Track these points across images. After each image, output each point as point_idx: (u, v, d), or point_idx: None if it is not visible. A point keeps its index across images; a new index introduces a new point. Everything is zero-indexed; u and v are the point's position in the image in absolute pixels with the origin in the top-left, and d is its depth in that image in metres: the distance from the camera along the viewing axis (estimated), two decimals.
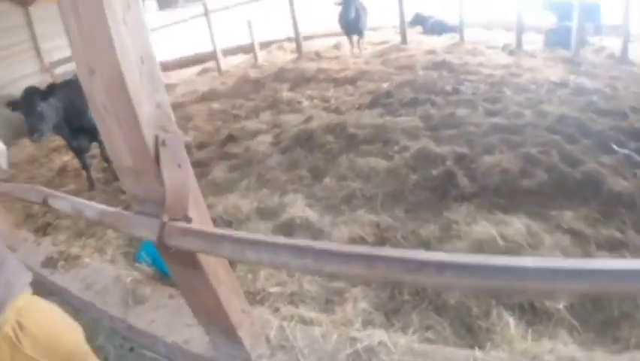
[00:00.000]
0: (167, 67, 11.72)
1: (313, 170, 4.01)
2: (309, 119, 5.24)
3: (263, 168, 4.30)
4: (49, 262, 3.88)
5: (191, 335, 2.33)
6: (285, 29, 10.18)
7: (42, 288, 3.85)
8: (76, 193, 5.63)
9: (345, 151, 4.16)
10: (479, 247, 2.43)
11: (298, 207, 3.37)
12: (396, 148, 3.98)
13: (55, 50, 10.46)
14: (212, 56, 9.68)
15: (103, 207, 1.90)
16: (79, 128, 5.32)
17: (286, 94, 6.58)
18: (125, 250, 3.65)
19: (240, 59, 10.20)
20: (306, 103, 6.10)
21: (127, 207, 4.49)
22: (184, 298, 2.09)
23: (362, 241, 2.78)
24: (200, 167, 5.01)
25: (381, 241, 2.76)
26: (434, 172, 3.37)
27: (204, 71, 10.01)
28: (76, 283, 3.41)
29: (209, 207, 3.78)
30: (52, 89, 4.87)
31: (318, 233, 3.04)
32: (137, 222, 1.65)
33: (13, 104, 4.86)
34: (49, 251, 3.90)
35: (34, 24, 9.92)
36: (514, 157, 3.35)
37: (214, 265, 1.81)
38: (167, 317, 2.55)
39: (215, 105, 7.17)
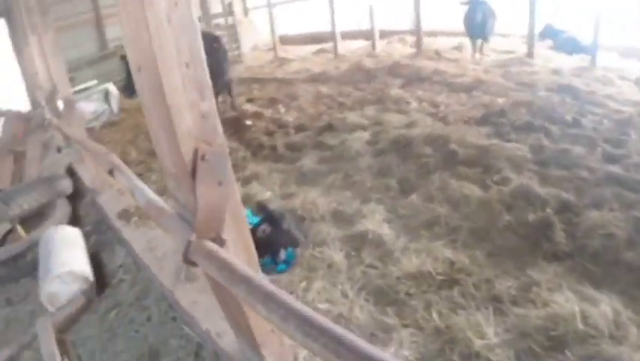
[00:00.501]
0: (286, 41, 12.03)
1: (402, 182, 3.87)
2: (412, 123, 5.06)
3: (352, 168, 4.24)
4: (125, 215, 4.18)
5: (226, 328, 2.28)
6: (409, 21, 9.95)
7: (113, 237, 4.19)
8: None
9: (441, 168, 3.95)
10: (554, 323, 2.16)
11: (376, 221, 3.28)
12: (495, 178, 3.68)
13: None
14: (331, 36, 9.72)
15: (152, 195, 1.84)
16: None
17: (396, 91, 6.40)
18: None
19: (358, 44, 10.10)
20: (414, 104, 5.89)
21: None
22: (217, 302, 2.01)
23: (429, 277, 2.62)
24: (293, 151, 5.13)
25: (449, 283, 2.57)
26: (531, 217, 3.05)
27: (321, 51, 10.06)
28: (141, 242, 3.66)
29: (289, 196, 3.96)
30: None
31: (386, 254, 2.93)
32: (172, 226, 1.59)
33: (125, 57, 5.34)
34: (128, 204, 4.17)
35: None
36: (624, 220, 2.92)
37: None
38: (208, 303, 2.55)
39: (324, 89, 7.22)
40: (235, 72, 9.72)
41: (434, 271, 2.66)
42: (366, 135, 4.93)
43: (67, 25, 10.01)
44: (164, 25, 1.22)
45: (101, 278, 3.81)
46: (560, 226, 2.95)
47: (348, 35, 10.31)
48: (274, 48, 10.58)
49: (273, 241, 3.08)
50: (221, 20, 11.56)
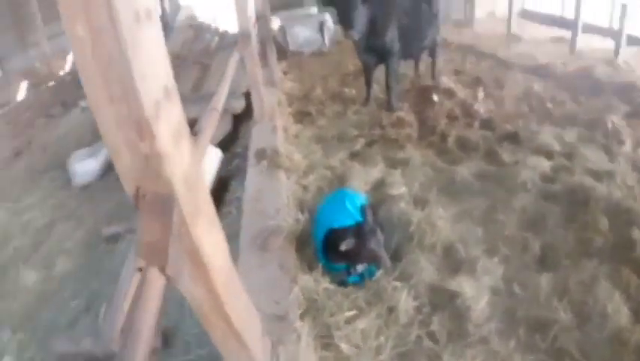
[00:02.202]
0: (527, 16, 10.58)
1: (548, 250, 3.00)
2: (607, 174, 3.73)
3: (504, 201, 3.49)
4: (260, 154, 4.33)
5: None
6: None
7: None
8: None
9: (605, 256, 2.89)
10: None
11: (481, 288, 2.68)
12: None
13: None
14: (570, 24, 8.04)
15: None
16: (371, 44, 5.28)
17: (615, 120, 4.69)
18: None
19: (604, 43, 8.25)
20: (628, 147, 4.30)
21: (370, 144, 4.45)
22: None
23: None
24: (461, 149, 4.52)
25: None
26: None
27: (559, 39, 8.47)
28: (251, 190, 3.83)
29: (421, 202, 3.46)
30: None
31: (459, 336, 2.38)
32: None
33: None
34: (271, 143, 4.30)
35: None
36: None
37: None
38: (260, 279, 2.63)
39: (537, 86, 6.08)
40: (454, 37, 8.89)
41: None
42: (545, 165, 3.98)
43: None
44: (89, 57, 1.02)
45: (214, 201, 4.02)
46: None
47: (594, 30, 8.44)
48: (509, 22, 9.28)
49: (355, 254, 2.74)
50: None
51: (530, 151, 4.28)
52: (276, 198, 3.55)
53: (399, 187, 3.69)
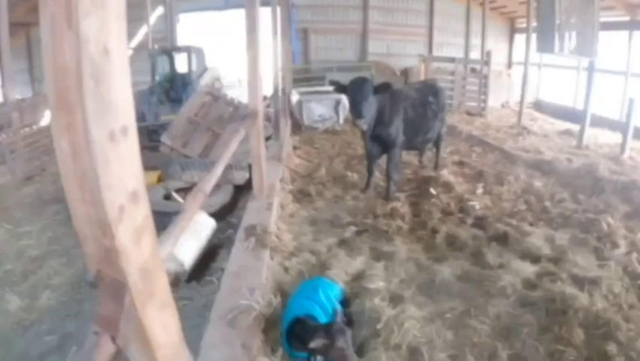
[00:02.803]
0: (540, 108, 10.99)
1: None
2: (593, 281, 3.67)
3: (481, 307, 3.42)
4: (249, 231, 4.32)
5: None
6: None
7: None
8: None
9: None
10: None
11: None
12: None
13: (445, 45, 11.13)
14: (577, 117, 8.26)
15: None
16: (376, 134, 5.52)
17: (611, 222, 4.67)
18: None
19: (610, 138, 8.42)
20: (622, 250, 4.29)
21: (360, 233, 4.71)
22: None
23: None
24: (450, 246, 4.58)
25: None
26: None
27: (566, 133, 8.72)
28: (234, 265, 3.82)
29: (397, 300, 3.47)
30: (378, 89, 5.14)
31: None
32: None
33: (335, 85, 5.42)
34: (263, 221, 4.60)
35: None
36: None
37: None
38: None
39: (538, 184, 6.22)
40: (465, 127, 9.21)
41: None
42: (529, 271, 3.93)
43: (336, 29, 10.95)
44: (70, 166, 1.23)
45: (200, 270, 4.25)
46: None
47: (604, 123, 8.68)
48: (520, 113, 9.63)
49: (323, 351, 2.79)
50: (477, 66, 11.08)
51: (518, 254, 4.26)
52: (254, 277, 3.59)
53: (377, 281, 3.71)
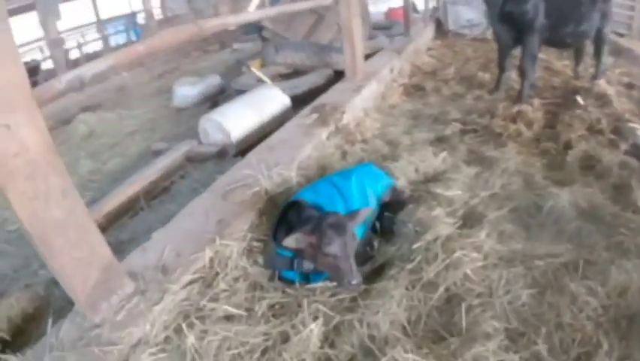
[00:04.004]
0: None
1: None
2: None
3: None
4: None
5: None
6: None
7: None
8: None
9: None
10: None
11: None
12: None
13: None
14: None
15: None
16: (508, 10, 4.01)
17: None
18: None
19: None
20: None
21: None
22: None
23: None
24: (581, 172, 3.06)
25: None
26: None
27: None
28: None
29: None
30: None
31: None
32: None
33: None
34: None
35: None
36: None
37: None
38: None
39: None
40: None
41: None
42: None
43: None
44: None
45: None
46: None
47: None
48: None
49: (309, 254, 1.86)
50: None
51: None
52: (291, 152, 2.76)
53: (455, 189, 2.55)
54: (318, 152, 2.92)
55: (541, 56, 4.43)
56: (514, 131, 3.47)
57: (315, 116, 3.31)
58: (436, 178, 2.76)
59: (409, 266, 1.95)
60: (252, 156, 2.81)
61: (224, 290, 1.85)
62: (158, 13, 13.51)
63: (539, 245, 2.12)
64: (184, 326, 1.66)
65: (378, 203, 2.26)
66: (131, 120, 5.76)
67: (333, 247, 1.77)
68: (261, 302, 1.85)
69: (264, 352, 1.65)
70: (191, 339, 1.61)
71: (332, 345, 1.69)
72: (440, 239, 2.03)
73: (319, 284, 1.93)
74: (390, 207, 2.34)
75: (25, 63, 9.53)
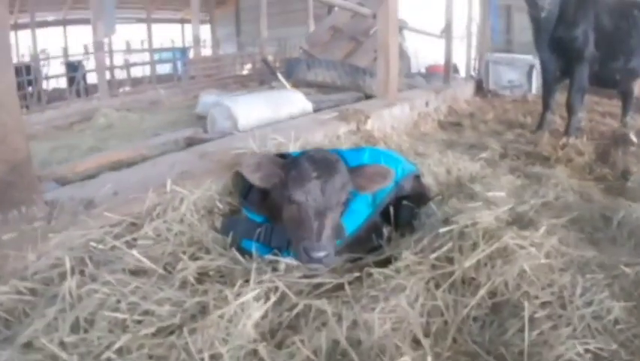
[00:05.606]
0: None
1: None
2: None
3: None
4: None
5: None
6: None
7: None
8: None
9: None
10: None
11: None
12: None
13: None
14: None
15: None
16: (557, 36, 3.59)
17: None
18: None
19: None
20: None
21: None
22: None
23: None
24: None
25: None
26: None
27: None
28: None
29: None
30: None
31: None
32: None
33: None
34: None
35: None
36: None
37: None
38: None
39: None
40: None
41: None
42: None
43: None
44: None
45: None
46: None
47: None
48: None
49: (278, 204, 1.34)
50: None
51: None
52: (297, 133, 2.27)
53: (497, 190, 1.98)
54: (328, 142, 2.43)
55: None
56: (564, 155, 2.92)
57: (334, 114, 2.86)
58: (472, 182, 2.20)
59: (434, 255, 1.37)
60: (252, 131, 2.35)
61: (150, 239, 1.32)
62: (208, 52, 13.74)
63: (618, 254, 1.53)
64: (70, 267, 1.14)
65: (396, 187, 1.71)
66: (151, 121, 5.60)
67: (300, 192, 1.23)
68: (189, 263, 1.30)
69: (165, 329, 1.09)
70: (69, 284, 1.10)
71: (279, 343, 1.11)
72: (481, 225, 1.45)
73: (289, 260, 1.36)
74: (410, 199, 1.79)
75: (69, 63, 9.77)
